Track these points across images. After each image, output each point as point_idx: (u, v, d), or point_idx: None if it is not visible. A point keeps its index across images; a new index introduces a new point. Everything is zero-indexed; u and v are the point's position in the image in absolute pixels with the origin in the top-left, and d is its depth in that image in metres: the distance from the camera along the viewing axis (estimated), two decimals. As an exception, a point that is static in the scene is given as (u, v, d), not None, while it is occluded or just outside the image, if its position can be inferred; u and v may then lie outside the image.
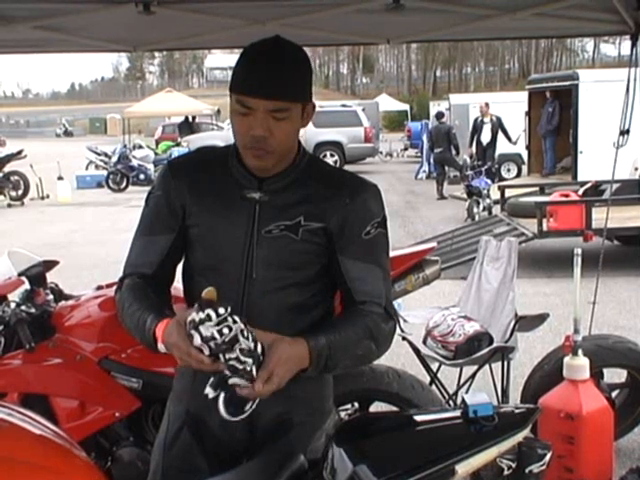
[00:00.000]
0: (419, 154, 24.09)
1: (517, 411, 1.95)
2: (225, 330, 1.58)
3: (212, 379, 1.65)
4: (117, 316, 1.96)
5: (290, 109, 1.77)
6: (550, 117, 14.59)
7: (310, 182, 1.89)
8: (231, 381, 1.62)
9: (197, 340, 1.59)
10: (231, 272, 1.88)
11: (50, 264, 3.38)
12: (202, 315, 1.58)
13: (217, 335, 1.57)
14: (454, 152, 16.53)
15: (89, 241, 11.94)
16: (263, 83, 1.74)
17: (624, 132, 3.97)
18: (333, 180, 1.92)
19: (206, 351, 1.59)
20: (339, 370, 1.82)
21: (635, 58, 3.77)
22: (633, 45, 3.78)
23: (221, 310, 1.58)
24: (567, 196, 9.34)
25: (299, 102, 1.80)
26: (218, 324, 1.58)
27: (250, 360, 1.61)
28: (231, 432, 1.91)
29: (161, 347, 1.75)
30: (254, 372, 1.61)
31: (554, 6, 3.43)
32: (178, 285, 2.02)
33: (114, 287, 2.00)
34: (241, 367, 1.60)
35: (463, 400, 1.85)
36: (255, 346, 1.62)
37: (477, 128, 15.79)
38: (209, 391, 1.65)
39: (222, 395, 1.64)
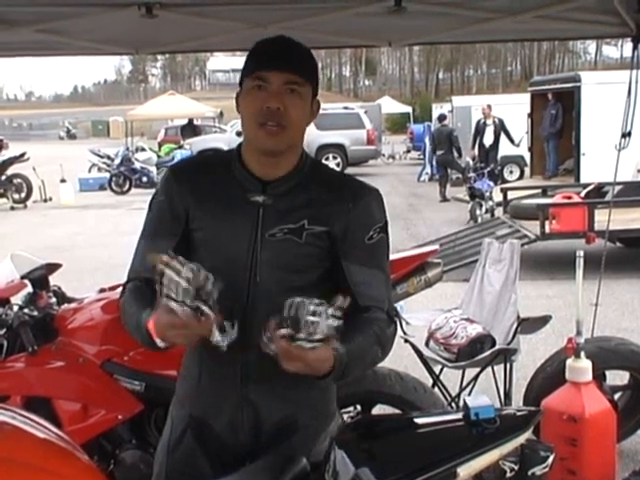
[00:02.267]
0: (421, 156, 24.07)
1: (519, 413, 1.95)
2: (184, 273, 1.60)
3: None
4: (120, 319, 1.96)
5: (303, 85, 1.83)
6: (553, 120, 14.57)
7: (313, 186, 1.90)
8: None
9: (166, 297, 1.61)
10: (235, 275, 1.88)
11: (53, 267, 3.38)
12: (157, 276, 1.62)
13: (177, 278, 1.60)
14: (456, 154, 16.52)
15: (92, 244, 11.94)
16: (279, 56, 1.81)
17: (626, 134, 3.97)
18: (335, 185, 1.93)
19: (180, 298, 1.60)
20: (349, 379, 1.83)
21: (636, 60, 3.77)
22: (634, 47, 3.78)
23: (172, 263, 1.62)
24: (569, 198, 9.33)
25: (309, 83, 1.85)
26: (175, 272, 1.61)
27: None
28: (235, 435, 1.92)
29: (159, 342, 1.74)
30: None
31: (555, 9, 3.43)
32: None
33: (117, 290, 2.01)
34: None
35: (465, 403, 1.85)
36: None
37: (479, 130, 15.78)
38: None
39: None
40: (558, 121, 14.52)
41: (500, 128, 15.55)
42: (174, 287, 1.61)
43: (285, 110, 1.80)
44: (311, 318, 1.58)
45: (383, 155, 27.83)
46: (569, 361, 3.58)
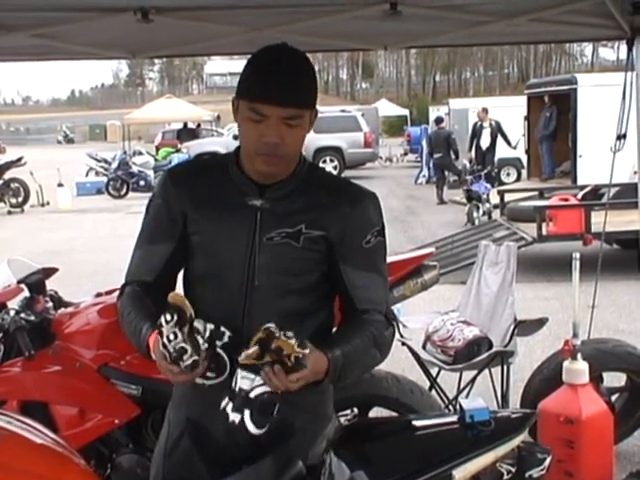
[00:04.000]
0: (419, 159, 24.08)
1: (514, 416, 1.96)
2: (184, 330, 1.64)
3: (232, 404, 1.68)
4: (117, 323, 1.97)
5: (303, 116, 1.80)
6: (547, 122, 14.58)
7: (310, 190, 1.91)
8: (255, 391, 1.65)
9: (159, 344, 1.65)
10: (233, 279, 1.88)
11: (49, 271, 3.39)
12: (161, 318, 1.66)
13: (173, 336, 1.64)
14: (454, 157, 16.53)
15: (89, 248, 11.93)
16: (279, 91, 1.75)
17: (621, 136, 3.98)
18: (333, 189, 1.93)
19: (168, 351, 1.64)
20: (347, 381, 1.84)
21: (631, 62, 3.78)
22: (629, 50, 3.79)
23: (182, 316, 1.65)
24: (566, 200, 9.35)
25: (309, 109, 1.83)
26: (176, 325, 1.64)
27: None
28: (232, 438, 1.91)
29: (155, 357, 1.76)
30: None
31: (550, 12, 3.44)
32: (179, 292, 2.02)
33: (113, 294, 2.02)
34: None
35: (460, 405, 1.86)
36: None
37: (476, 133, 15.77)
38: (234, 417, 1.68)
39: (247, 413, 1.67)
40: (552, 123, 14.51)
41: (497, 130, 15.56)
42: (172, 344, 1.65)
43: (283, 142, 1.79)
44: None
45: (380, 158, 27.85)
46: (566, 363, 3.58)
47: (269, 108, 1.75)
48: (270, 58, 1.81)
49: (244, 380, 1.65)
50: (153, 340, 1.75)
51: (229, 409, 1.67)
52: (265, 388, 1.64)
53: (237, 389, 1.65)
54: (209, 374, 1.71)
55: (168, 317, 1.64)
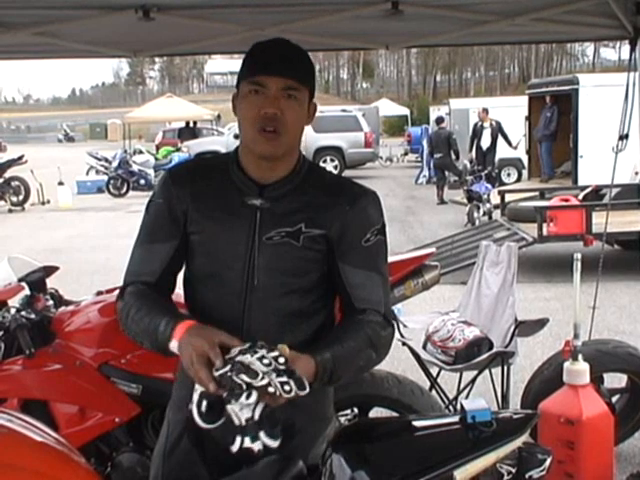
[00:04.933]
0: (419, 159, 24.09)
1: (515, 417, 1.95)
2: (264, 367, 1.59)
3: (247, 438, 1.64)
4: (117, 322, 1.96)
5: (301, 90, 1.82)
6: (548, 122, 14.57)
7: (310, 189, 1.90)
8: (257, 412, 1.63)
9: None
10: (232, 279, 1.88)
11: (50, 270, 3.38)
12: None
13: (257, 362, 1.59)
14: (454, 157, 16.53)
15: (90, 246, 11.93)
16: (277, 61, 1.80)
17: (623, 137, 3.97)
18: (333, 188, 1.93)
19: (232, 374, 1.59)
20: (341, 382, 1.83)
21: (634, 63, 3.77)
22: (632, 50, 3.78)
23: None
24: (567, 201, 9.34)
25: (307, 88, 1.84)
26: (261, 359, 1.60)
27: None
28: (232, 439, 1.91)
29: (173, 345, 1.73)
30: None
31: (553, 11, 3.44)
32: (179, 291, 2.02)
33: (114, 293, 2.01)
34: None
35: (461, 406, 1.85)
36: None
37: (477, 133, 15.77)
38: (257, 446, 1.64)
39: (262, 435, 1.65)
40: (552, 124, 14.50)
41: (497, 131, 15.56)
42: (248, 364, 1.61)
43: (282, 115, 1.80)
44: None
45: (381, 158, 27.84)
46: (566, 364, 3.58)
47: (270, 79, 1.79)
48: (267, 44, 1.86)
49: (244, 410, 1.63)
50: (184, 328, 1.72)
51: (248, 444, 1.64)
52: (261, 404, 1.62)
53: (243, 422, 1.63)
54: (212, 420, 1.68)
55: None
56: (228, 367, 1.60)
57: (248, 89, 1.82)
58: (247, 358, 1.61)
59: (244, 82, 1.83)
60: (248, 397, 1.59)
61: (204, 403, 1.64)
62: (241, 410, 1.61)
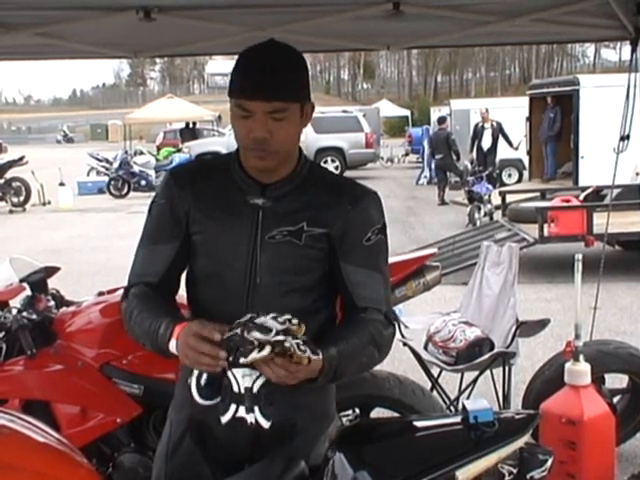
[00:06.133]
0: (420, 160, 24.08)
1: (517, 417, 1.95)
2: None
3: (243, 406, 1.61)
4: (119, 322, 1.96)
5: (288, 109, 1.80)
6: (552, 123, 14.58)
7: (312, 189, 1.91)
8: (256, 386, 1.59)
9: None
10: (235, 278, 1.89)
11: (51, 270, 3.38)
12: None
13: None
14: (455, 158, 16.52)
15: (90, 247, 11.94)
16: (258, 86, 1.77)
17: (624, 137, 3.98)
18: (334, 187, 1.94)
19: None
20: (344, 379, 1.84)
21: (635, 63, 3.77)
22: (633, 50, 3.78)
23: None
24: (568, 201, 9.33)
25: (296, 102, 1.82)
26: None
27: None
28: (235, 438, 1.91)
29: (172, 345, 1.75)
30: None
31: (553, 12, 3.43)
32: (182, 293, 2.02)
33: (115, 293, 2.01)
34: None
35: (463, 406, 1.85)
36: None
37: (478, 134, 15.76)
38: (250, 418, 1.63)
39: (257, 410, 1.63)
40: (557, 124, 14.53)
41: (498, 131, 15.55)
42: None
43: (272, 137, 1.79)
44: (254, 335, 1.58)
45: (381, 158, 27.84)
46: (568, 364, 3.58)
47: (253, 104, 1.77)
48: (254, 55, 1.82)
49: (245, 378, 1.63)
50: (180, 328, 1.74)
51: (242, 413, 1.63)
52: (263, 379, 1.60)
53: (242, 389, 1.62)
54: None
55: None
56: (239, 329, 1.58)
57: (235, 111, 1.81)
58: (260, 319, 1.59)
59: (231, 99, 1.82)
60: (260, 351, 1.54)
61: (204, 377, 1.64)
62: (243, 377, 1.60)
